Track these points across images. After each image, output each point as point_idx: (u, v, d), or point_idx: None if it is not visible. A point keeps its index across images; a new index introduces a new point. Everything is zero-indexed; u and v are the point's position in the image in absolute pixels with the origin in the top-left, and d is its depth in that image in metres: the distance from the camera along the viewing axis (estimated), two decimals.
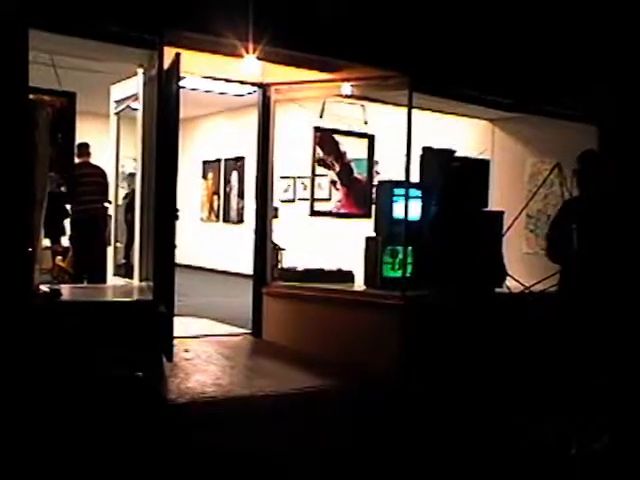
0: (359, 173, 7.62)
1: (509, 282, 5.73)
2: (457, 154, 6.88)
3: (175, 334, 5.60)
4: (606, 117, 6.80)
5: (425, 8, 6.00)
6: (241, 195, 14.29)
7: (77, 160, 7.69)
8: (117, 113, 6.81)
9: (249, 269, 7.43)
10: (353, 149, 7.62)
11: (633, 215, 4.68)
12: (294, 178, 11.79)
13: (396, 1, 5.97)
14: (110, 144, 6.89)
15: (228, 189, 14.77)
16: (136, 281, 5.99)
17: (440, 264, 4.72)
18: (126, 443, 4.08)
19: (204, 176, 15.54)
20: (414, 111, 6.02)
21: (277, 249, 8.60)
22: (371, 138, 7.65)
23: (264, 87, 7.03)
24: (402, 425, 4.92)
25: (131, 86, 6.22)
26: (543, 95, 6.60)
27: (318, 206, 7.50)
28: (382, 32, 5.82)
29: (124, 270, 6.98)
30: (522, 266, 6.57)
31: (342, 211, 7.57)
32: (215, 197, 15.23)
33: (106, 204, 7.99)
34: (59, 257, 8.94)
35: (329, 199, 7.63)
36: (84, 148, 8.08)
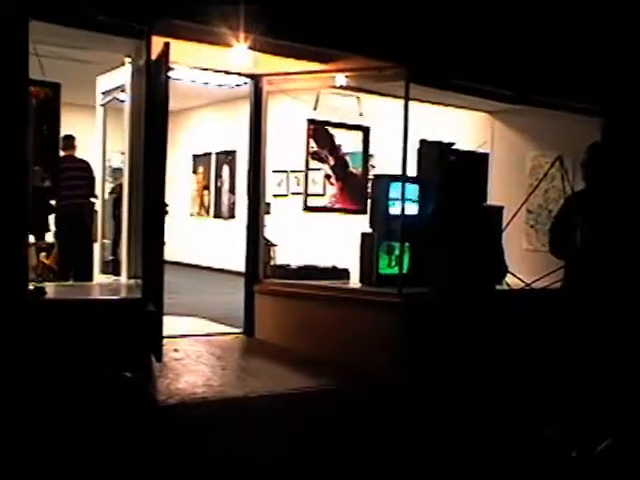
0: (354, 167, 7.61)
1: (509, 279, 5.74)
2: (455, 147, 6.90)
3: (164, 333, 5.59)
4: (610, 108, 6.79)
5: None
6: (232, 190, 14.26)
7: (62, 153, 7.65)
8: (104, 105, 6.78)
9: (241, 266, 7.41)
10: (348, 142, 7.60)
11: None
12: (287, 172, 11.77)
13: None
14: (96, 137, 6.86)
15: (219, 184, 14.73)
16: (124, 279, 5.97)
17: (438, 261, 4.71)
18: (113, 446, 4.06)
19: (194, 170, 15.50)
20: (411, 103, 6.01)
21: (270, 245, 8.58)
22: (366, 131, 7.64)
23: (256, 78, 7.01)
24: (400, 426, 4.92)
25: (118, 77, 6.19)
26: (544, 86, 6.59)
27: (312, 201, 7.48)
28: (378, 21, 5.80)
29: (111, 267, 6.95)
30: (522, 262, 6.58)
31: (337, 206, 7.55)
32: (206, 192, 15.19)
33: (92, 199, 7.96)
34: (43, 254, 8.90)
35: (323, 194, 7.61)
36: (69, 141, 8.05)
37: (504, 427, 4.76)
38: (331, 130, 7.50)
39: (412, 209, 6.26)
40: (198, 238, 14.91)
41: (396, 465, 4.50)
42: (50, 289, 5.23)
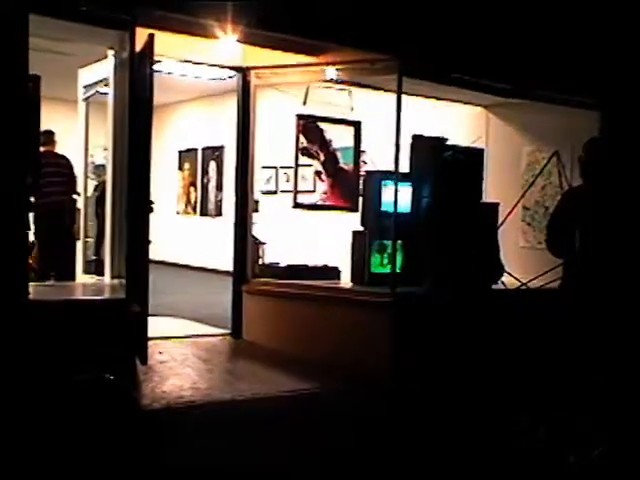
0: (345, 163, 7.60)
1: (505, 278, 5.74)
2: (449, 143, 6.90)
3: (149, 335, 5.57)
4: (608, 102, 6.81)
5: None
6: (220, 187, 14.24)
7: (41, 149, 7.62)
8: (86, 99, 6.75)
9: (228, 265, 7.40)
10: (339, 137, 7.60)
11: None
12: (276, 168, 11.75)
13: None
14: (78, 132, 6.83)
15: (206, 180, 14.71)
16: (107, 279, 5.95)
17: (432, 259, 4.71)
18: (96, 452, 4.04)
19: (180, 167, 15.47)
20: (404, 97, 6.00)
21: (258, 244, 8.56)
22: (358, 126, 7.63)
23: (244, 71, 7.00)
24: (391, 428, 4.92)
25: (101, 70, 6.16)
26: (541, 79, 6.60)
27: (302, 198, 7.47)
28: (370, 12, 5.79)
29: (94, 267, 6.93)
30: (518, 261, 6.58)
31: (327, 203, 7.54)
32: (192, 189, 15.17)
33: (75, 196, 7.92)
34: None
35: (313, 191, 7.60)
36: (49, 136, 8.01)
37: (500, 431, 4.77)
38: (321, 125, 7.48)
39: (405, 206, 6.26)
40: (184, 236, 14.89)
41: (389, 468, 4.50)
42: (30, 289, 5.19)
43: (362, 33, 5.79)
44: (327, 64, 6.52)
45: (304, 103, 7.55)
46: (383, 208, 6.35)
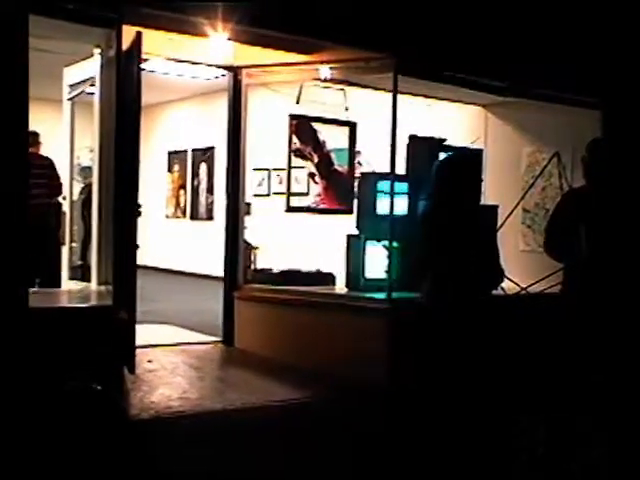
0: (340, 164, 7.60)
1: (504, 283, 5.75)
2: (447, 143, 6.92)
3: (138, 343, 5.56)
4: (610, 101, 6.83)
5: None
6: (210, 189, 14.24)
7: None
8: (71, 99, 6.74)
9: (219, 271, 7.39)
10: (333, 138, 7.60)
11: None
12: (268, 170, 11.77)
13: None
14: (63, 133, 6.82)
15: (196, 183, 14.71)
16: (94, 285, 5.94)
17: (430, 264, 4.72)
18: (82, 465, 4.04)
19: (169, 169, 15.47)
20: (400, 96, 6.01)
21: (250, 249, 8.57)
22: (353, 126, 7.64)
23: (235, 70, 7.00)
24: (387, 438, 4.93)
25: (87, 69, 6.16)
26: (541, 77, 6.61)
27: (295, 201, 7.47)
28: (365, 10, 5.80)
29: (80, 273, 6.92)
30: (518, 265, 6.59)
31: (321, 206, 7.55)
32: (182, 192, 15.17)
33: (60, 199, 7.92)
34: None
35: (307, 193, 7.60)
36: (34, 137, 8.01)
37: (501, 441, 4.79)
38: (315, 125, 7.49)
39: (401, 209, 6.28)
40: (174, 241, 14.89)
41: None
42: None
43: (357, 31, 5.80)
44: (321, 62, 6.52)
45: (297, 103, 7.56)
46: (379, 211, 6.36)
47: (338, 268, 6.91)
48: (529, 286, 6.47)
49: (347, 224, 6.91)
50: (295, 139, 7.34)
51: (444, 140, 7.01)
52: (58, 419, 4.17)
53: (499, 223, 6.42)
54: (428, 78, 6.44)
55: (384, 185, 6.25)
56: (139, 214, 5.59)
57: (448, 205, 4.62)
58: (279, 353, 6.50)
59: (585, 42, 6.60)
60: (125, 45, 5.29)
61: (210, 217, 14.13)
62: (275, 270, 7.36)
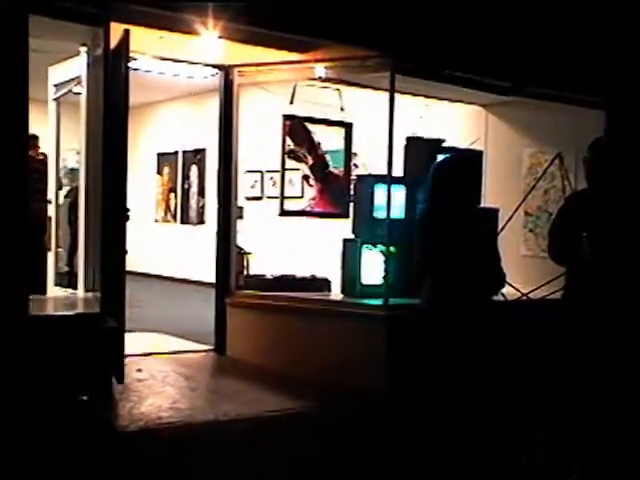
0: (335, 167, 7.61)
1: (505, 288, 5.76)
2: (446, 144, 6.93)
3: (126, 351, 5.55)
4: (613, 100, 6.84)
5: None
6: (201, 193, 14.23)
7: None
8: (57, 99, 6.74)
9: (211, 277, 7.39)
10: (328, 139, 7.61)
11: None
12: (261, 173, 11.77)
13: None
14: (49, 134, 6.81)
15: (187, 186, 14.69)
16: (81, 292, 5.94)
17: (428, 269, 4.72)
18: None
19: (159, 171, 15.45)
20: (397, 96, 6.02)
21: (243, 254, 8.58)
22: (348, 127, 7.64)
23: (226, 69, 7.01)
24: (384, 447, 4.93)
25: (73, 68, 6.16)
26: (542, 76, 6.62)
27: (289, 204, 7.47)
28: (361, 6, 5.81)
29: (67, 279, 6.91)
30: (520, 270, 6.59)
31: (316, 210, 7.55)
32: (172, 195, 15.14)
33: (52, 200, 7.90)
34: None
35: (301, 196, 7.61)
36: (33, 140, 8.00)
37: (502, 454, 4.80)
38: (309, 126, 7.49)
39: (399, 212, 6.28)
40: (163, 246, 14.86)
41: None
42: None
43: (353, 28, 5.80)
44: (315, 61, 6.53)
45: (291, 103, 7.56)
46: (375, 215, 6.36)
47: (334, 274, 6.91)
48: (530, 292, 6.48)
49: (343, 228, 6.91)
50: (289, 140, 7.35)
51: (443, 141, 7.02)
52: (42, 431, 4.15)
53: (500, 227, 6.42)
54: (426, 77, 6.45)
55: (381, 188, 6.25)
56: (127, 218, 5.58)
57: (447, 208, 4.62)
58: (273, 361, 6.50)
59: (588, 39, 6.61)
60: (113, 43, 5.29)
61: (201, 221, 14.11)
62: (268, 276, 7.36)
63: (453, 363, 4.51)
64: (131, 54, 5.34)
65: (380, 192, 6.28)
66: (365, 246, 6.34)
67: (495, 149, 7.80)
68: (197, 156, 14.26)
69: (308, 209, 7.52)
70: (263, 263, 8.98)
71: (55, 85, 6.67)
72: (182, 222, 14.79)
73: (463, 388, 4.48)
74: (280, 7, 5.57)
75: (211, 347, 7.20)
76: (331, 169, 7.58)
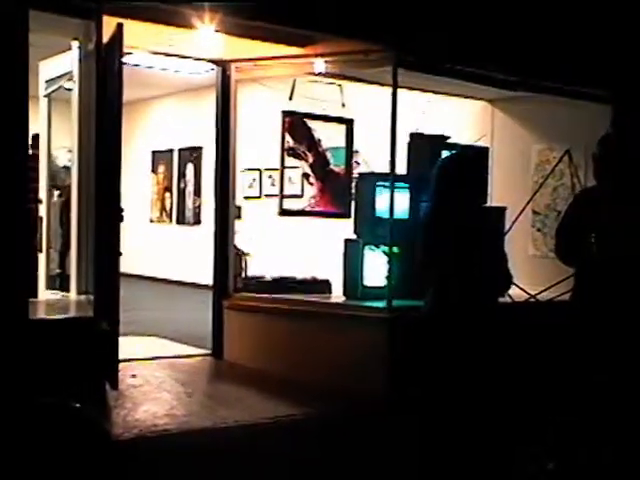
0: (336, 164, 7.61)
1: (511, 290, 5.76)
2: (450, 141, 6.93)
3: (121, 356, 5.55)
4: (623, 95, 6.84)
5: None
6: (198, 192, 14.24)
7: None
8: (47, 95, 6.73)
9: (208, 278, 7.39)
10: (329, 136, 7.61)
11: None
12: (260, 171, 11.78)
13: None
14: (40, 132, 6.81)
15: (182, 185, 14.71)
16: (73, 294, 5.94)
17: (433, 269, 4.72)
18: None
19: (154, 169, 15.47)
20: (400, 91, 6.02)
21: (241, 255, 8.57)
22: (350, 123, 7.65)
23: (223, 64, 7.01)
24: (391, 459, 4.92)
25: (64, 63, 6.15)
26: (550, 70, 6.62)
27: (288, 203, 7.48)
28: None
29: (59, 282, 6.90)
30: (528, 270, 6.60)
31: (316, 209, 7.55)
32: (167, 194, 15.16)
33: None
34: None
35: (301, 195, 7.61)
36: (35, 141, 8.00)
37: (507, 461, 4.81)
38: (309, 123, 7.50)
39: (402, 212, 6.27)
40: (159, 247, 14.88)
41: None
42: None
43: (355, 21, 5.79)
44: (315, 56, 6.53)
45: (290, 98, 7.57)
46: (378, 214, 6.36)
47: (335, 275, 6.91)
48: (538, 293, 6.47)
49: (344, 228, 6.91)
50: (288, 137, 7.35)
51: (447, 138, 7.01)
52: (32, 440, 4.14)
53: (507, 226, 6.42)
54: (430, 72, 6.45)
55: (383, 186, 6.24)
56: (121, 218, 5.58)
57: (451, 206, 4.62)
58: (272, 366, 6.49)
59: (596, 32, 6.62)
60: (105, 37, 5.29)
61: (198, 221, 14.13)
62: (267, 277, 7.37)
63: (457, 366, 4.52)
64: (125, 49, 5.33)
65: (383, 191, 6.28)
66: (367, 247, 6.33)
67: (502, 145, 7.80)
68: (193, 154, 14.29)
69: (308, 208, 7.52)
70: (262, 264, 8.97)
71: (46, 81, 6.66)
72: (178, 222, 14.81)
73: (467, 392, 4.48)
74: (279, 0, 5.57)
75: (208, 351, 7.20)
76: (332, 167, 7.58)
